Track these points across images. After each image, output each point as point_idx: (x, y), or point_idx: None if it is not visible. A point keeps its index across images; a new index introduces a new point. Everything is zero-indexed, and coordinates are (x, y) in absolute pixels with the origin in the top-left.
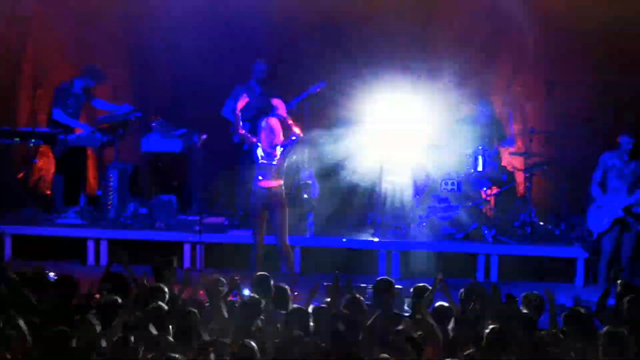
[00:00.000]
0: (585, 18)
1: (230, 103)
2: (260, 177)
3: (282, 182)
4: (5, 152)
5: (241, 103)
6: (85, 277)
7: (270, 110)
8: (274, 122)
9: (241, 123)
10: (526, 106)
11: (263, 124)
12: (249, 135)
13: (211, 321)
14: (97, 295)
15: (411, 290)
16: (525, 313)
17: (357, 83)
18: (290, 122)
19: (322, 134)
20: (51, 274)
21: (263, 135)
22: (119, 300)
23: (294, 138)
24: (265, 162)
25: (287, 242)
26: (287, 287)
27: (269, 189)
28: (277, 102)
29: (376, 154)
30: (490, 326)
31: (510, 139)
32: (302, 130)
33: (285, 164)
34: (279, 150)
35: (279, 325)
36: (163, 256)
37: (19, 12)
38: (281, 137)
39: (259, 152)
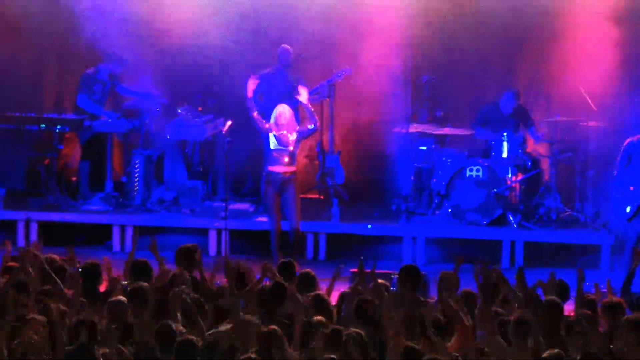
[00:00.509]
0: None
1: (255, 89)
2: (272, 163)
3: (295, 168)
4: (31, 138)
5: (251, 86)
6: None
7: (296, 96)
8: (286, 108)
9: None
10: (551, 92)
11: (276, 110)
12: (263, 120)
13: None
14: (125, 282)
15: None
16: (552, 298)
17: (380, 67)
18: (312, 109)
19: (347, 120)
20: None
21: (276, 121)
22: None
23: (311, 127)
24: (277, 148)
25: (300, 228)
26: (313, 273)
27: (282, 174)
28: (301, 88)
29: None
30: (516, 313)
31: (539, 135)
32: (319, 119)
33: (298, 151)
34: (293, 136)
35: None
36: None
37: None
38: (295, 124)
39: (271, 138)
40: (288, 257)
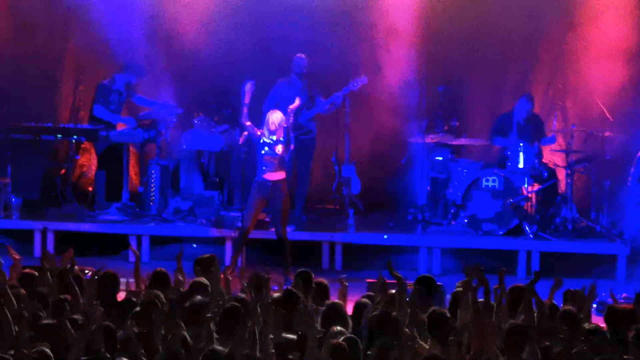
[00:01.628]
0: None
1: (271, 98)
2: (264, 169)
3: (284, 174)
4: (48, 148)
5: (248, 95)
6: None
7: (313, 105)
8: (277, 115)
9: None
10: (567, 102)
11: (267, 117)
12: (254, 127)
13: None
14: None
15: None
16: (568, 308)
17: (396, 77)
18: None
19: (363, 130)
20: (89, 274)
21: (266, 127)
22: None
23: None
24: (268, 154)
25: (287, 233)
26: (327, 283)
27: (273, 181)
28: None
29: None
30: (511, 321)
31: (551, 137)
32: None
33: (287, 156)
34: (280, 143)
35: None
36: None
37: (59, 8)
38: (283, 130)
39: (263, 144)
40: (301, 268)
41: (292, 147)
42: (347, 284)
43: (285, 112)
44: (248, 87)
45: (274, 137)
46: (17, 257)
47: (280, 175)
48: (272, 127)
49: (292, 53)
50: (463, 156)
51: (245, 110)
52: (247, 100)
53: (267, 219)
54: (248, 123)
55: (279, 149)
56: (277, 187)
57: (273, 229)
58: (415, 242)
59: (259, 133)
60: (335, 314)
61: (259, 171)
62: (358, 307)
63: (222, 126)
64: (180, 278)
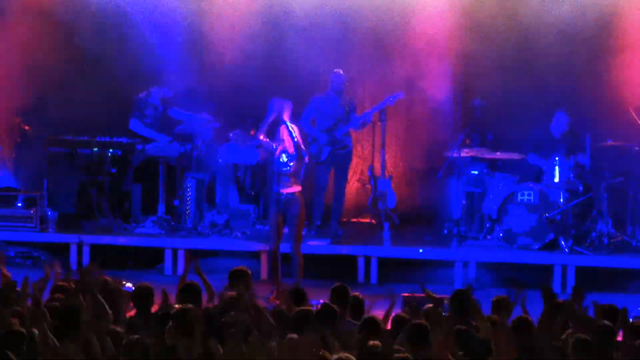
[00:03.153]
0: None
1: (307, 113)
2: (278, 184)
3: (299, 188)
4: (84, 161)
5: (279, 114)
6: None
7: (349, 120)
8: (285, 129)
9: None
10: (603, 116)
11: (279, 131)
12: (269, 141)
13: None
14: (177, 306)
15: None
16: (605, 323)
17: (431, 92)
18: (291, 127)
19: (399, 144)
20: (128, 285)
21: (278, 142)
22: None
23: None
24: (282, 168)
25: (300, 250)
26: (361, 296)
27: (287, 194)
28: (278, 103)
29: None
30: (576, 336)
31: (585, 151)
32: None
33: (301, 170)
34: (292, 157)
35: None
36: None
37: (94, 21)
38: (293, 144)
39: (276, 158)
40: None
41: (306, 159)
42: (394, 302)
43: (320, 127)
44: (285, 106)
45: (287, 151)
46: (59, 270)
47: (294, 188)
48: (280, 142)
49: (329, 69)
50: (499, 170)
51: (265, 125)
52: (271, 118)
53: (303, 233)
54: (262, 137)
55: (292, 162)
56: (292, 201)
57: (312, 242)
58: (450, 256)
59: (273, 145)
60: (372, 329)
61: (274, 186)
62: (395, 321)
63: (258, 140)
64: (226, 294)
